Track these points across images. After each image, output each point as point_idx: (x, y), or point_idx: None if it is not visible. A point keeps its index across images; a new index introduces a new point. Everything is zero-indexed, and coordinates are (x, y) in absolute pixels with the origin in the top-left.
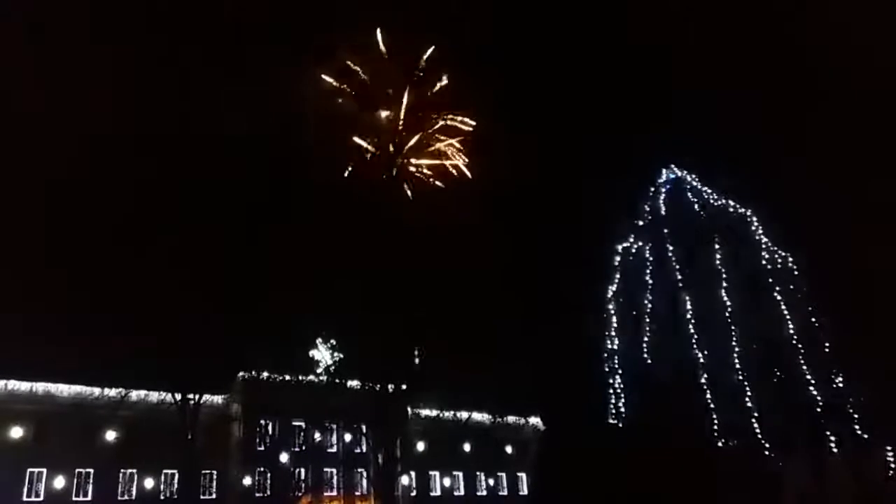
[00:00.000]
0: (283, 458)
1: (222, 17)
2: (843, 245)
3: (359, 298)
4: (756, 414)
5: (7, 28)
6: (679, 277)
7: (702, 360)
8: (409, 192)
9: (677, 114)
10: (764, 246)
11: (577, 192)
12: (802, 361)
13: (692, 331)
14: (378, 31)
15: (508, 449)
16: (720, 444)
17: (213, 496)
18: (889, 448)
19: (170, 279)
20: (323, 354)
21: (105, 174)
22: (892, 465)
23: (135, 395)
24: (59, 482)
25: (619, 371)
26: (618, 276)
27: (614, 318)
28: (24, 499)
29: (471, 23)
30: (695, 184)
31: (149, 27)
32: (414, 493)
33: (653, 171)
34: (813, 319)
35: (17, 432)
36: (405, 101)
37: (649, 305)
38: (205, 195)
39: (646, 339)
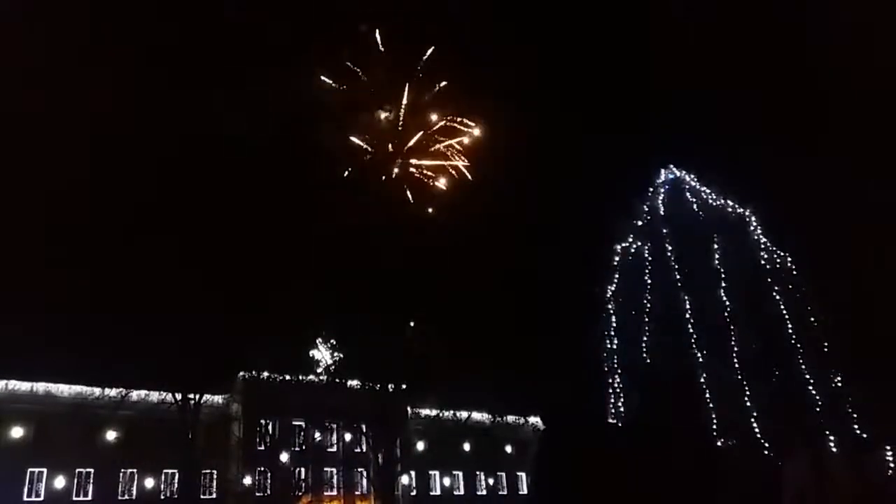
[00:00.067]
0: (284, 457)
1: (222, 17)
2: (843, 245)
3: (359, 298)
4: (755, 413)
5: (7, 28)
6: (678, 277)
7: (701, 360)
8: (409, 194)
9: (677, 114)
10: (763, 246)
11: (576, 192)
12: (801, 361)
13: (691, 330)
14: (377, 31)
15: (508, 448)
16: (719, 443)
17: (214, 496)
18: (889, 447)
19: (170, 279)
20: (323, 354)
21: (105, 174)
22: (892, 465)
23: (135, 394)
24: (60, 482)
25: (619, 370)
26: (617, 275)
27: (613, 318)
28: (25, 498)
29: (470, 24)
30: (694, 184)
31: (149, 27)
32: (414, 493)
33: (652, 171)
34: (812, 319)
35: (17, 432)
36: (405, 101)
37: (648, 305)
38: (205, 195)
39: (645, 338)
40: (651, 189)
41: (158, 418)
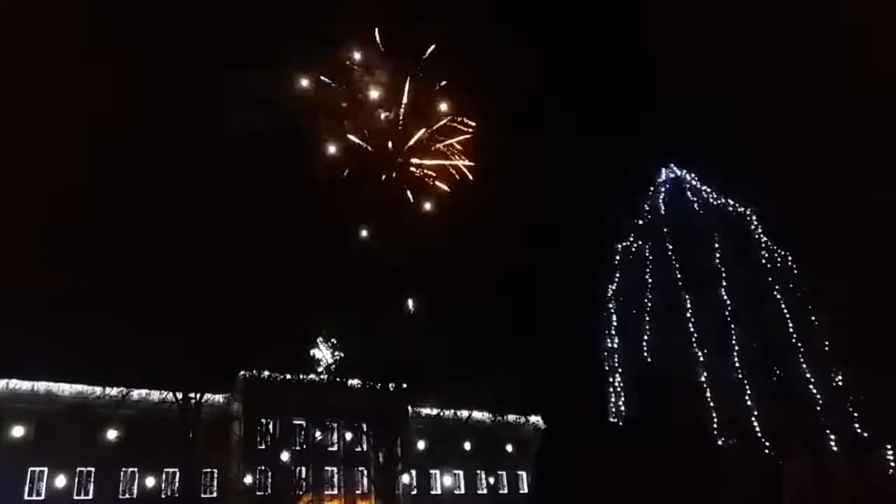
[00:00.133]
0: (284, 456)
1: (222, 17)
2: (843, 245)
3: (359, 298)
4: (755, 412)
5: (7, 28)
6: (679, 276)
7: (701, 359)
8: (409, 194)
9: (677, 114)
10: (764, 245)
11: (576, 192)
12: (802, 360)
13: (692, 329)
14: (376, 30)
15: (509, 447)
16: (720, 442)
17: (214, 495)
18: (889, 447)
19: (170, 279)
20: (324, 353)
21: (105, 174)
22: (893, 464)
23: (136, 394)
24: (61, 481)
25: (619, 370)
26: (617, 274)
27: (614, 317)
28: (26, 498)
29: (470, 24)
30: (694, 183)
31: (149, 27)
32: (414, 492)
33: (652, 170)
34: (812, 318)
35: (18, 431)
36: (405, 100)
37: (649, 304)
38: (205, 195)
39: (645, 337)
40: (652, 188)
41: (159, 417)
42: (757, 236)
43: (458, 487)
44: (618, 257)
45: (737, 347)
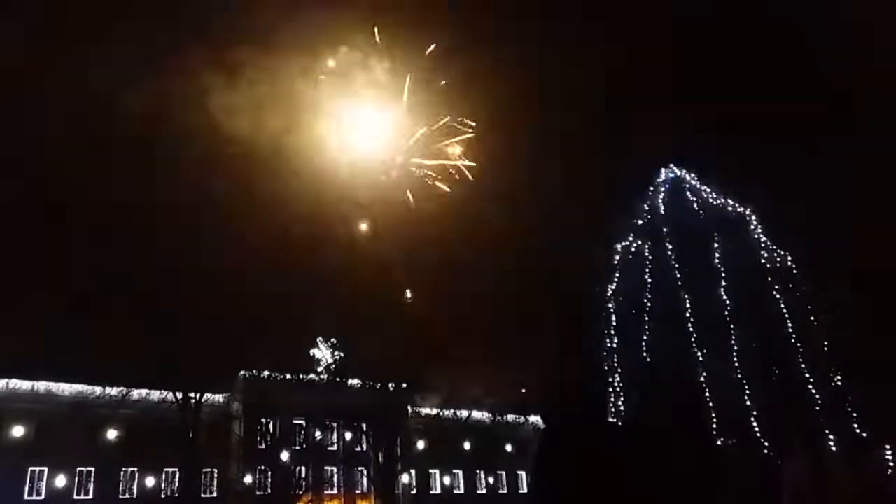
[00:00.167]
0: (284, 456)
1: (221, 16)
2: (842, 244)
3: (359, 298)
4: (755, 412)
5: (7, 28)
6: (678, 276)
7: (701, 359)
8: (409, 196)
9: (677, 114)
10: (763, 245)
11: (576, 192)
12: (801, 360)
13: (691, 329)
14: (376, 29)
15: (508, 447)
16: (719, 442)
17: (214, 494)
18: (888, 447)
19: (171, 278)
20: (323, 353)
21: (106, 174)
22: (892, 464)
23: (136, 393)
24: (61, 481)
25: (619, 370)
26: (617, 274)
27: (613, 317)
28: (26, 497)
29: (470, 23)
30: (694, 183)
31: (148, 27)
32: (414, 492)
33: (652, 170)
34: (812, 318)
35: (18, 431)
36: (404, 100)
37: (649, 304)
38: (205, 195)
39: (645, 337)
40: (651, 188)
41: (159, 417)
42: (756, 236)
43: (458, 487)
44: (617, 257)
45: (736, 348)
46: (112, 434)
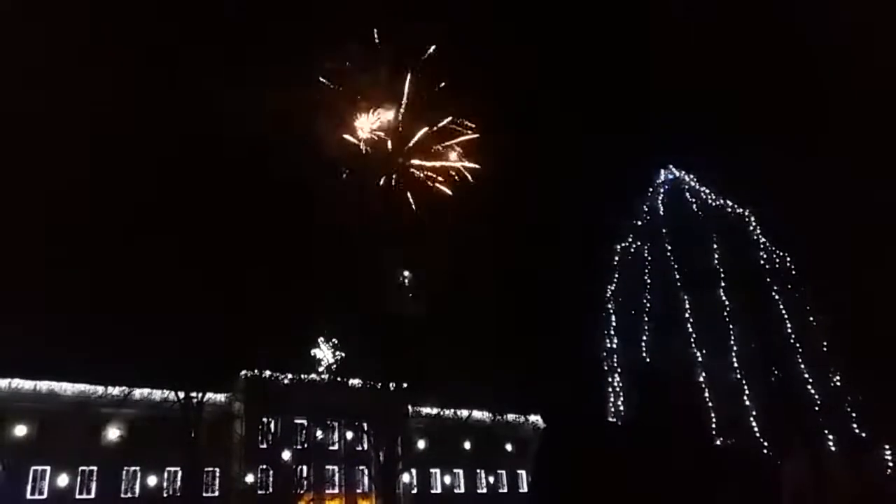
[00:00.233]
0: (286, 455)
1: (222, 17)
2: (842, 244)
3: (359, 298)
4: (754, 412)
5: (7, 28)
6: (677, 277)
7: (700, 359)
8: (409, 197)
9: (677, 114)
10: (762, 245)
11: (576, 192)
12: (800, 360)
13: (690, 330)
14: (375, 31)
15: (508, 446)
16: (718, 442)
17: (216, 494)
18: (887, 447)
19: (172, 278)
20: (325, 353)
21: (105, 174)
22: (891, 464)
23: (138, 393)
24: (63, 480)
25: (619, 370)
26: (617, 275)
27: (613, 318)
28: (28, 497)
29: (470, 24)
30: (693, 184)
31: (149, 27)
32: (415, 491)
33: (652, 171)
34: (811, 318)
35: (20, 430)
36: (404, 101)
37: (648, 305)
38: (205, 195)
39: (644, 338)
40: (651, 189)
41: (161, 417)
42: (755, 237)
43: (458, 486)
44: (617, 258)
45: (735, 348)
46: (114, 433)
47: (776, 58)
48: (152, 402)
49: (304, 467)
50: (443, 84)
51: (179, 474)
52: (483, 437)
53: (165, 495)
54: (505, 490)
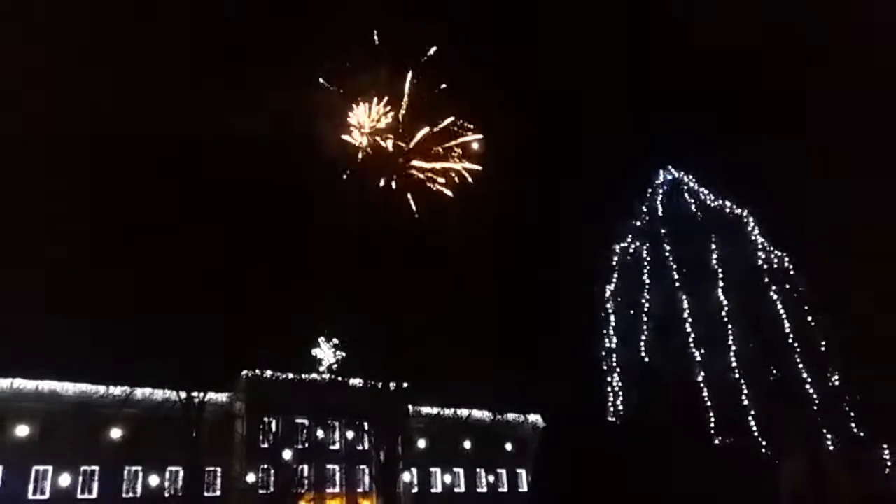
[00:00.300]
0: (287, 455)
1: (222, 17)
2: (842, 244)
3: (359, 298)
4: (753, 412)
5: (7, 28)
6: (676, 277)
7: (699, 359)
8: (410, 198)
9: (677, 114)
10: (760, 246)
11: (576, 192)
12: (799, 360)
13: (689, 330)
14: (375, 31)
15: (508, 446)
16: (717, 441)
17: (217, 493)
18: (885, 446)
19: (173, 278)
20: (325, 353)
21: (107, 174)
22: (889, 463)
23: (139, 393)
24: (65, 480)
25: (618, 370)
26: (616, 275)
27: (612, 318)
28: (30, 497)
29: (470, 24)
30: (692, 184)
31: (149, 27)
32: (415, 490)
33: (651, 171)
34: (809, 318)
35: (22, 430)
36: (404, 102)
37: (647, 305)
38: (206, 195)
39: (644, 338)
40: (650, 190)
41: (163, 416)
42: (754, 237)
43: (458, 485)
44: (616, 258)
45: (734, 348)
46: (116, 433)
47: (776, 58)
48: (154, 402)
49: (305, 467)
50: (443, 85)
51: (181, 474)
52: (483, 437)
53: (167, 495)
54: (505, 489)
